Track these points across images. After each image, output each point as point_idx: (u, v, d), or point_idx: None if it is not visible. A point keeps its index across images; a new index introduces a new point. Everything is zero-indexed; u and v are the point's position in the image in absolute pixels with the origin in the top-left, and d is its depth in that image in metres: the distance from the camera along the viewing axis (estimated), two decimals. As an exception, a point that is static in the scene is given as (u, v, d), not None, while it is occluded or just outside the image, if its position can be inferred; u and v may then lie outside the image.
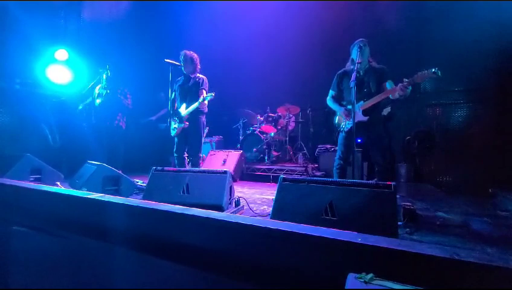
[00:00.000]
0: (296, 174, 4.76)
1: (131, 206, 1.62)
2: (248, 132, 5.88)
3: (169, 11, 6.63)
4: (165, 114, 6.12)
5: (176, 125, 3.57)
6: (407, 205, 2.23)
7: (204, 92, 3.51)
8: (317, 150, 5.17)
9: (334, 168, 3.01)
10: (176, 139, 3.65)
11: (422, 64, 5.17)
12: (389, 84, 2.77)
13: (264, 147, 5.58)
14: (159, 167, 2.48)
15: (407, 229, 1.98)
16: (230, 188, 2.44)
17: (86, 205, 1.89)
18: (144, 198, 2.28)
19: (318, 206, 1.67)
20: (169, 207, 1.53)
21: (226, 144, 6.43)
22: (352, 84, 2.50)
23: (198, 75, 3.63)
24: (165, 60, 3.43)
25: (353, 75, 2.54)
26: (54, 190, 2.13)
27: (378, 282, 0.61)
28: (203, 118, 3.64)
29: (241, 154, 5.09)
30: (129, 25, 5.90)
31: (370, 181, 1.80)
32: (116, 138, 4.49)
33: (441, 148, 4.91)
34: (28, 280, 2.07)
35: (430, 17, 5.13)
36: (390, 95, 2.67)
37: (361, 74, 2.87)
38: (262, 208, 2.76)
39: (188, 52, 3.52)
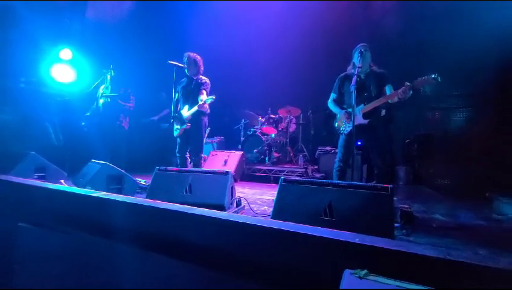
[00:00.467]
0: (296, 175, 4.81)
1: (138, 205, 1.67)
2: (249, 133, 5.94)
3: (172, 11, 6.67)
4: (166, 114, 6.17)
5: (179, 126, 3.63)
6: (404, 207, 2.28)
7: (204, 92, 3.56)
8: (317, 152, 5.23)
9: (334, 170, 3.06)
10: (178, 140, 3.70)
11: (422, 68, 5.25)
12: (388, 89, 2.83)
13: (265, 148, 5.63)
14: (162, 167, 2.53)
15: (404, 231, 2.03)
16: (232, 188, 2.49)
17: (92, 203, 1.93)
18: (147, 197, 2.33)
19: (317, 207, 1.72)
20: (176, 207, 1.58)
21: (227, 145, 6.47)
22: (352, 88, 2.57)
23: (201, 77, 3.68)
24: (169, 61, 3.48)
25: (353, 79, 2.60)
26: (61, 188, 2.18)
27: (372, 277, 0.67)
28: (205, 119, 3.70)
29: (242, 155, 5.14)
30: (132, 25, 5.95)
31: (368, 183, 1.85)
32: (118, 137, 4.55)
33: (440, 152, 4.96)
34: (33, 274, 2.12)
35: (431, 21, 5.18)
36: (389, 100, 2.73)
37: (362, 77, 2.93)
38: (262, 208, 2.81)
39: (191, 54, 3.57)
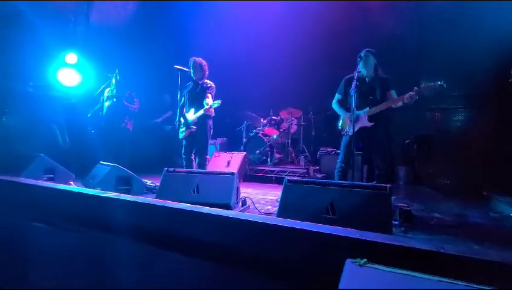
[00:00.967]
0: (298, 176, 4.90)
1: (150, 205, 1.76)
2: (251, 134, 6.01)
3: (174, 14, 6.77)
4: (170, 116, 6.27)
5: (184, 129, 3.73)
6: (403, 206, 2.37)
7: (210, 96, 3.67)
8: (318, 152, 5.31)
9: (336, 171, 3.15)
10: (184, 142, 3.80)
11: (422, 68, 5.34)
12: (393, 94, 2.92)
13: (267, 149, 5.72)
14: (170, 169, 2.63)
15: (402, 228, 2.12)
16: (237, 188, 2.58)
17: (105, 204, 2.02)
18: (157, 197, 2.42)
19: (320, 206, 1.82)
20: (187, 206, 1.68)
21: (230, 146, 6.54)
22: (352, 92, 2.65)
23: (206, 81, 3.78)
24: (175, 66, 3.59)
25: (353, 84, 2.69)
26: (74, 190, 2.27)
27: (371, 265, 0.76)
28: (210, 122, 3.80)
29: (245, 156, 5.23)
30: (135, 28, 6.05)
31: (368, 183, 1.94)
32: (123, 139, 4.65)
33: (440, 152, 5.03)
34: (48, 270, 2.21)
35: (431, 22, 5.24)
36: (392, 105, 2.82)
37: (367, 81, 3.02)
38: (266, 207, 2.91)
39: (197, 58, 3.68)
